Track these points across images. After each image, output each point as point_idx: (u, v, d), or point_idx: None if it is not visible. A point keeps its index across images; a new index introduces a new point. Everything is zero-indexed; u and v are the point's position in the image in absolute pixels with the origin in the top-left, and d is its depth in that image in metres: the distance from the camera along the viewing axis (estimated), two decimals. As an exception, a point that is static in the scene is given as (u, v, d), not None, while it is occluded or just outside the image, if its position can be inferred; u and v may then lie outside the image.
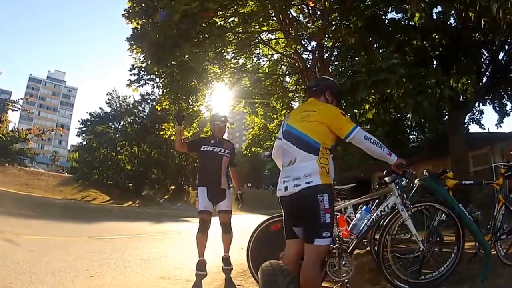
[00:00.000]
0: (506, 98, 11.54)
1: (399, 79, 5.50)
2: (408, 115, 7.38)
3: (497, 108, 11.79)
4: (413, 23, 7.79)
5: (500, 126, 12.62)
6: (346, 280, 3.25)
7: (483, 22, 7.08)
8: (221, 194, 4.73)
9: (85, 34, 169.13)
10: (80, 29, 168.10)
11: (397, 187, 3.31)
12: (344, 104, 5.96)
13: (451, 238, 3.59)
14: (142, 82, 9.84)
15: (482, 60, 9.93)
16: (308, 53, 11.09)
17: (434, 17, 8.56)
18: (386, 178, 3.39)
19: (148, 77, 9.89)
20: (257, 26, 9.57)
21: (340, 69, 9.52)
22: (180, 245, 6.97)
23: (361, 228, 3.33)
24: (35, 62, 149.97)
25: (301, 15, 10.33)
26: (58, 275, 3.61)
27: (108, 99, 46.55)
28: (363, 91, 5.48)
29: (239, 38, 9.71)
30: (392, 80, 5.29)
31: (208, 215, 4.57)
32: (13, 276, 3.28)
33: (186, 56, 8.47)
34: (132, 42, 8.85)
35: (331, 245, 3.04)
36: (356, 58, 8.45)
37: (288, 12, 9.54)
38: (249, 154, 16.54)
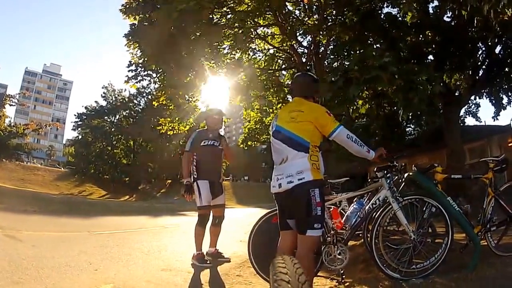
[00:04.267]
0: (502, 92, 11.67)
1: (390, 77, 5.63)
2: (400, 111, 7.51)
3: (494, 101, 11.91)
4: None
5: (497, 119, 12.75)
6: (342, 271, 3.48)
7: (475, 21, 7.13)
8: (220, 187, 4.92)
9: (81, 26, 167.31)
10: (76, 21, 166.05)
11: (388, 181, 3.50)
12: (337, 101, 6.09)
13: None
14: (139, 78, 9.95)
15: (479, 53, 10.00)
16: (303, 48, 11.20)
17: (431, 11, 8.60)
18: (377, 173, 3.57)
19: (146, 73, 9.98)
20: (253, 22, 9.65)
21: (333, 66, 9.65)
22: (179, 238, 7.07)
23: (354, 220, 3.55)
24: (30, 55, 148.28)
25: (297, 10, 10.38)
26: (63, 269, 3.72)
27: (104, 93, 46.57)
28: (355, 88, 5.62)
29: (235, 33, 9.77)
30: (384, 77, 5.44)
31: (209, 210, 4.75)
32: (21, 272, 3.38)
33: (183, 53, 8.55)
34: (130, 38, 8.93)
35: (327, 235, 3.29)
36: (352, 52, 8.53)
37: (285, 6, 9.60)
38: (246, 148, 16.61)
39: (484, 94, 12.02)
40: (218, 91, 12.67)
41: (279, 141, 2.94)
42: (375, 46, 7.47)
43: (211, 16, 8.21)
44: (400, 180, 3.83)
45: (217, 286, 3.92)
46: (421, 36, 8.47)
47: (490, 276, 3.35)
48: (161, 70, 9.70)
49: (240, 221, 9.73)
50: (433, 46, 8.78)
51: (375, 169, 3.63)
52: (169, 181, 43.62)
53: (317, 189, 2.72)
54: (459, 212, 3.70)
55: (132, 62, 9.78)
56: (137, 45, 9.04)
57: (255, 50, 12.47)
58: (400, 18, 8.54)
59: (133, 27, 8.85)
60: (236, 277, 4.25)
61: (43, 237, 5.76)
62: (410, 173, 3.79)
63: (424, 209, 3.68)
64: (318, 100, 3.22)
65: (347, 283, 3.59)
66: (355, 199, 4.09)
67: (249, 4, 8.42)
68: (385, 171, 3.53)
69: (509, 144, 15.52)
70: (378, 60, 5.49)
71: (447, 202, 3.60)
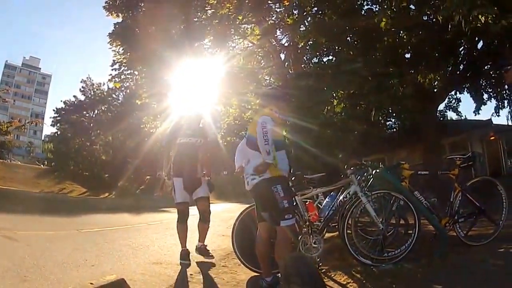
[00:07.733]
0: (482, 88, 12.09)
1: (362, 80, 6.00)
2: (372, 112, 7.81)
3: (475, 97, 12.30)
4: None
5: (479, 113, 13.08)
6: (319, 259, 3.87)
7: (450, 25, 7.38)
8: (197, 182, 4.92)
9: (60, 17, 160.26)
10: (55, 12, 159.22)
11: (357, 177, 3.93)
12: (310, 103, 6.37)
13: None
14: (123, 76, 10.08)
15: (460, 49, 10.23)
16: (282, 45, 11.43)
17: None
18: (348, 171, 4.00)
19: (129, 71, 10.11)
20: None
21: (312, 61, 9.95)
22: (164, 234, 7.23)
23: (327, 212, 3.98)
24: (9, 47, 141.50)
25: (277, 8, 10.54)
26: (62, 266, 3.95)
27: (82, 87, 45.63)
28: (328, 91, 5.99)
29: (216, 30, 9.92)
30: (356, 81, 5.81)
31: (186, 206, 4.86)
32: (25, 270, 3.59)
33: (166, 52, 8.70)
34: (114, 36, 9.02)
35: (303, 227, 3.74)
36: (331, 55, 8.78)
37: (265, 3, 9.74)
38: (225, 143, 16.75)
39: (465, 89, 12.39)
40: (199, 87, 12.85)
41: (246, 144, 3.40)
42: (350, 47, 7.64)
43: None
44: (369, 177, 4.24)
45: (205, 276, 4.22)
46: (397, 37, 8.65)
47: (457, 263, 3.73)
48: (144, 69, 9.81)
49: (221, 216, 9.99)
50: (409, 47, 8.99)
51: (345, 166, 4.08)
52: (148, 177, 43.00)
53: (278, 185, 3.14)
54: (425, 204, 4.14)
55: (115, 61, 9.86)
56: (120, 42, 9.12)
57: (234, 48, 12.64)
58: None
59: (116, 26, 8.94)
60: (222, 268, 4.62)
61: (37, 236, 5.90)
62: (377, 170, 4.21)
63: (392, 202, 4.09)
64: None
65: (323, 270, 3.95)
66: (332, 193, 4.45)
67: (230, 7, 8.60)
68: (354, 169, 4.00)
69: (490, 138, 16.25)
70: (349, 65, 5.84)
71: (412, 196, 4.03)
